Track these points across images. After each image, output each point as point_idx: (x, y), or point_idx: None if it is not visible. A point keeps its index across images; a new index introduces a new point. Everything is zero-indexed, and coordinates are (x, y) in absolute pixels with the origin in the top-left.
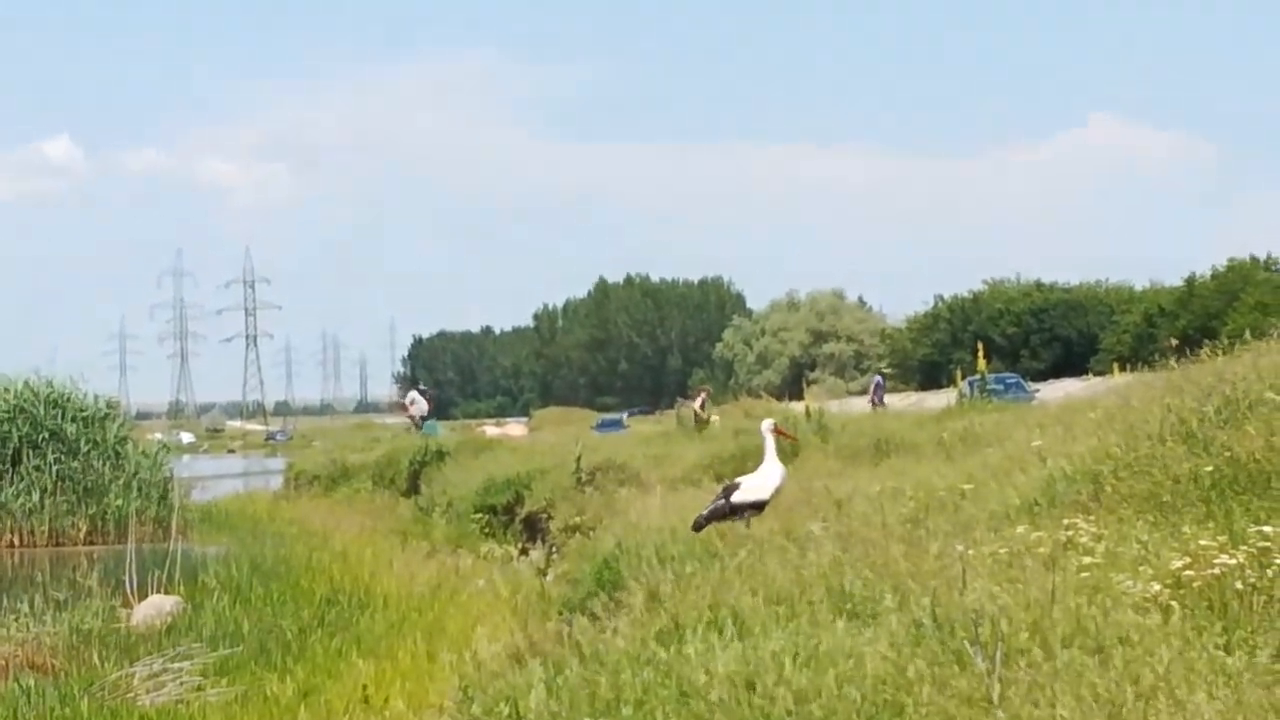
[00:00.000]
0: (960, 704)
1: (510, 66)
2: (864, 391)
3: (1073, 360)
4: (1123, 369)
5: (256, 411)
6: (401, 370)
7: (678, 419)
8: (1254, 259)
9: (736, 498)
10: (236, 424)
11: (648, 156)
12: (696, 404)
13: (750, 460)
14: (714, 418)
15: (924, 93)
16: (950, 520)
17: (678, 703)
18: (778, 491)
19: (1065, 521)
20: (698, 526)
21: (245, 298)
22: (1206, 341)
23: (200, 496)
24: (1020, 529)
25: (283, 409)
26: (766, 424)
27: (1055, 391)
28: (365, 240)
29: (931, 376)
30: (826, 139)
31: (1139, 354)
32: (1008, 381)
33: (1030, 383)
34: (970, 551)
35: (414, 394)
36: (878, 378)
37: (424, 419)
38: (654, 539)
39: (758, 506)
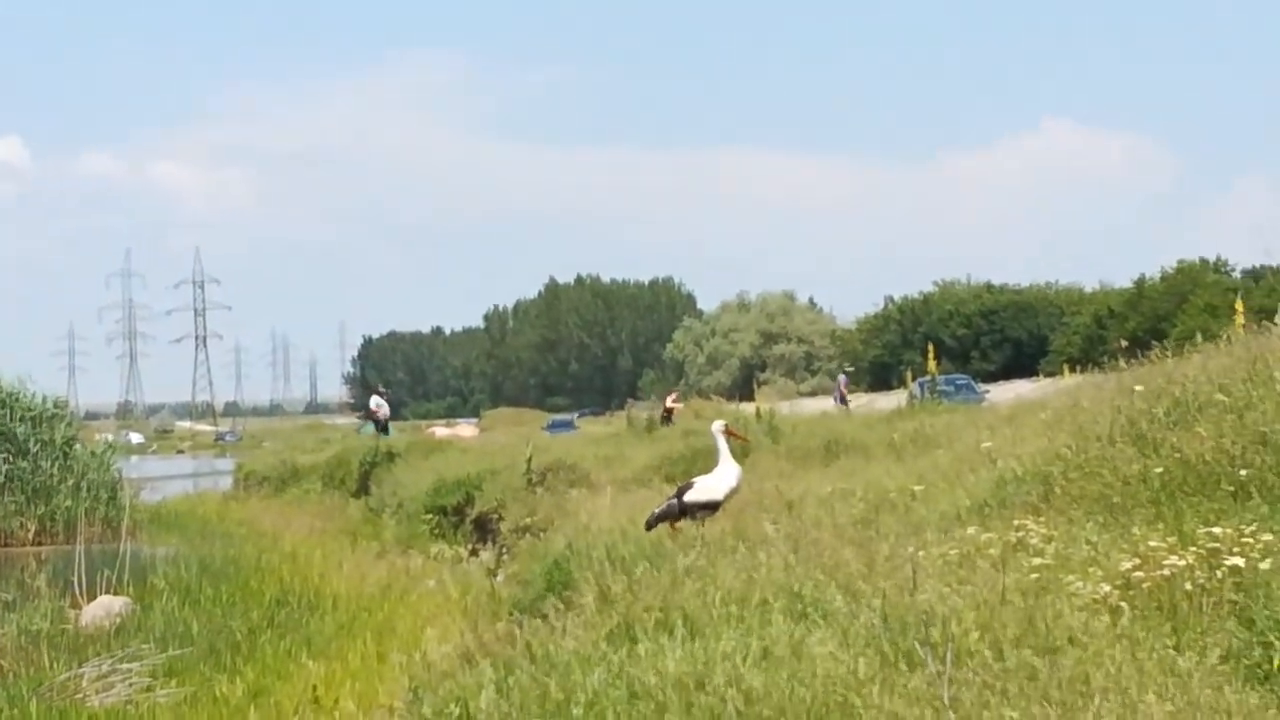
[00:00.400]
0: (910, 704)
1: (463, 73)
2: (815, 393)
3: (1023, 361)
4: (1073, 370)
5: (206, 412)
6: (352, 371)
7: (629, 420)
8: (1204, 261)
9: (689, 497)
10: (186, 425)
11: (599, 160)
12: (669, 401)
13: (700, 461)
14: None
15: (876, 96)
16: (901, 521)
17: (628, 703)
18: (733, 492)
19: (1015, 522)
20: (649, 525)
21: (195, 298)
22: (1156, 343)
23: (149, 497)
24: (970, 530)
25: (232, 410)
26: (717, 425)
27: (1005, 393)
28: (316, 242)
29: (882, 378)
30: (777, 143)
31: (1089, 355)
32: (958, 383)
33: (980, 384)
34: (921, 553)
35: (376, 398)
36: (842, 376)
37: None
38: (604, 540)
39: (710, 507)
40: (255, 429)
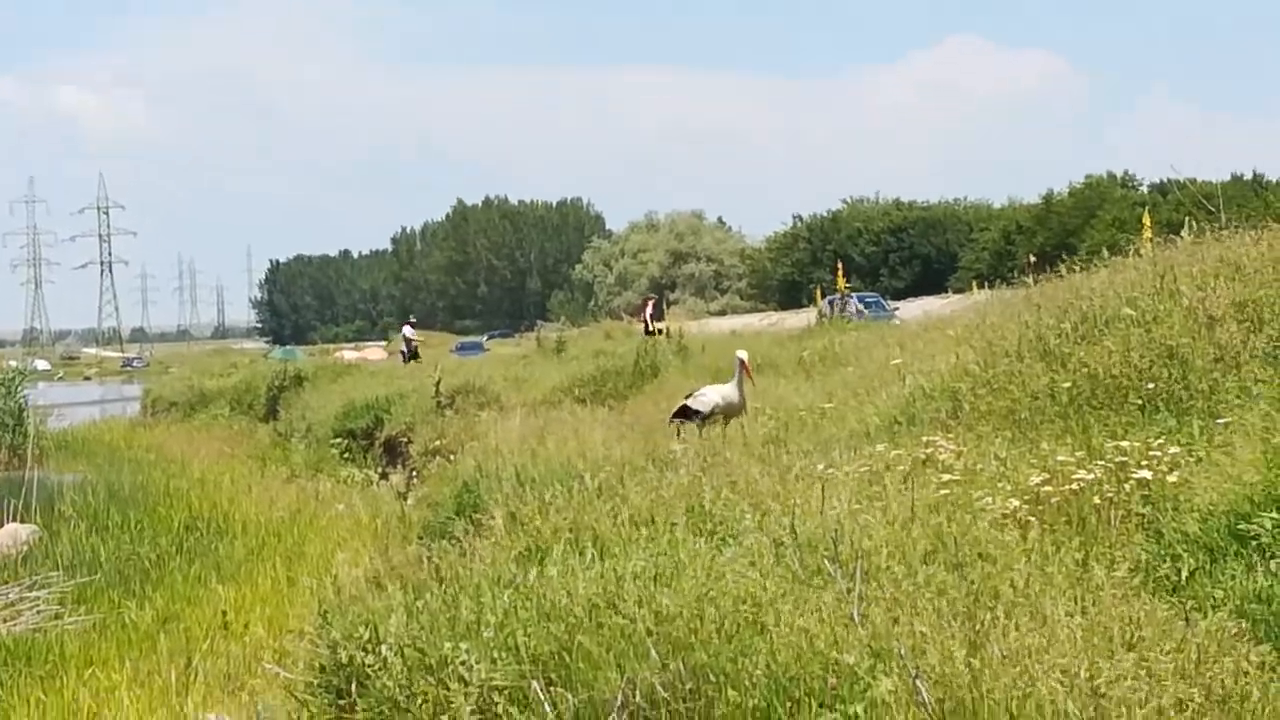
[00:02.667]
0: (821, 621)
1: None
2: (724, 312)
3: (931, 278)
4: (981, 286)
5: (112, 339)
6: (259, 295)
7: (538, 342)
8: (1111, 176)
9: (687, 402)
10: (92, 351)
11: (504, 80)
12: (647, 312)
13: (610, 382)
14: (660, 328)
15: (781, 12)
16: (810, 439)
17: (539, 625)
18: (718, 409)
19: (924, 439)
20: (670, 421)
21: (99, 224)
22: (1064, 258)
23: (56, 424)
24: (880, 447)
25: (139, 335)
26: (741, 353)
27: (914, 310)
28: (221, 167)
29: (791, 296)
30: (680, 60)
31: (998, 271)
32: (867, 300)
33: (890, 301)
34: (830, 470)
35: (408, 329)
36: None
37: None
38: (514, 462)
39: (698, 415)
40: (162, 355)
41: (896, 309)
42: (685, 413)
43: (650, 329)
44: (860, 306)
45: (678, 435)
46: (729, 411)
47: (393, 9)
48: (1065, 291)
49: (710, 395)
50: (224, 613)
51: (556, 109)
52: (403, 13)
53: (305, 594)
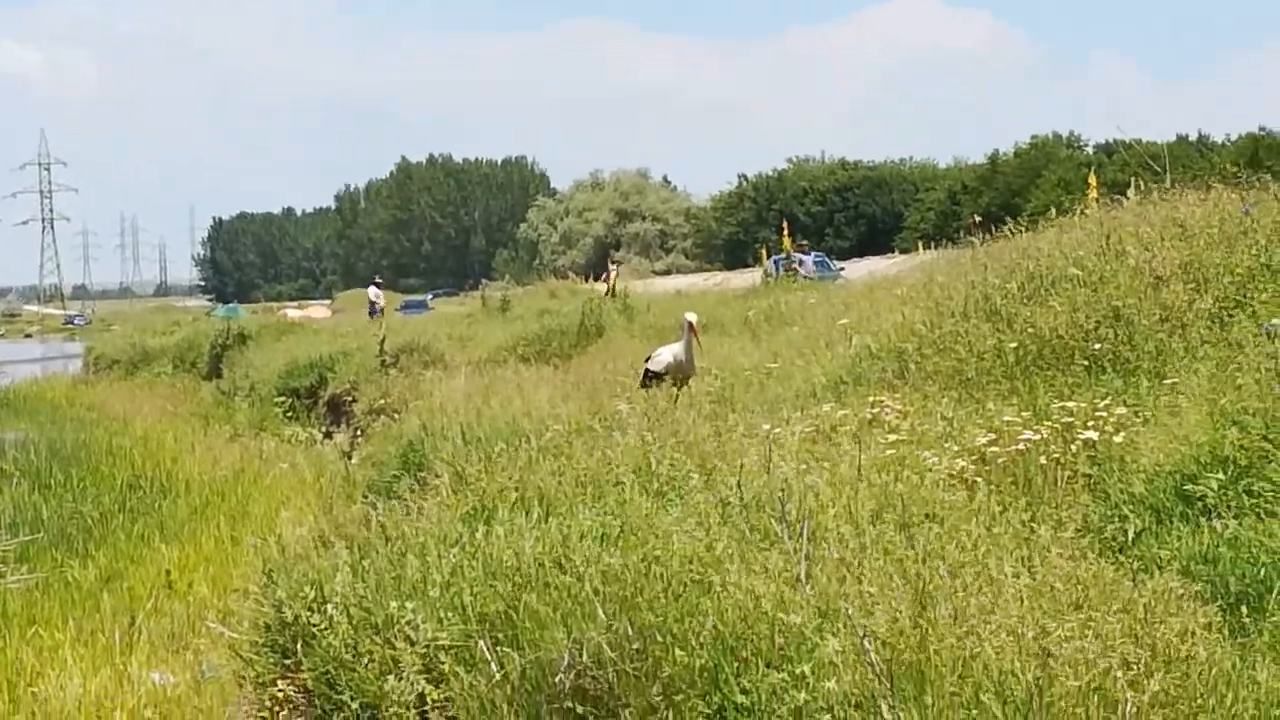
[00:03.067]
0: (769, 581)
1: None
2: (669, 271)
3: (877, 238)
4: (927, 246)
5: (54, 296)
6: (202, 253)
7: (483, 301)
8: (1057, 136)
9: (649, 364)
10: (33, 308)
11: (448, 41)
12: (612, 276)
13: (555, 341)
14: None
15: None
16: (757, 399)
17: (485, 584)
18: (669, 368)
19: (871, 399)
20: (642, 386)
21: (40, 180)
22: (1009, 218)
23: None
24: (826, 407)
25: (81, 293)
26: (689, 315)
27: (860, 270)
28: (165, 125)
29: (736, 256)
30: (623, 18)
31: (943, 231)
32: (814, 260)
33: (835, 261)
34: (777, 430)
35: (374, 288)
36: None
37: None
38: (459, 420)
39: (655, 375)
40: (104, 312)
41: (842, 269)
42: (649, 376)
43: (614, 290)
44: (814, 264)
45: (645, 397)
46: (679, 372)
47: None
48: (1012, 251)
49: (664, 355)
50: (168, 572)
51: (501, 67)
52: None
53: (249, 553)
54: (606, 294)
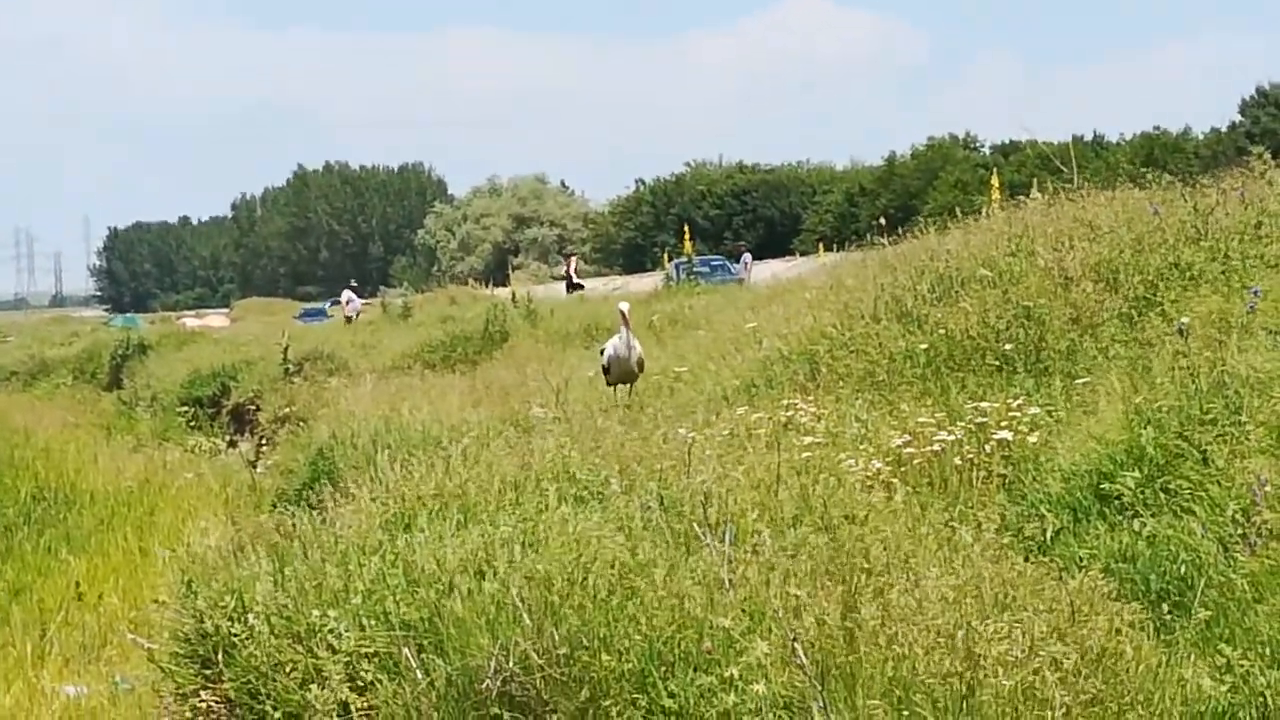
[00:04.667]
0: (694, 585)
1: None
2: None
3: (776, 241)
4: (827, 249)
5: None
6: (98, 263)
7: (384, 308)
8: (953, 138)
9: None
10: None
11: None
12: (571, 268)
13: (459, 348)
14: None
15: None
16: (668, 403)
17: (408, 591)
18: (612, 361)
19: (785, 402)
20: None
21: None
22: (907, 220)
23: None
24: (740, 410)
25: None
26: (622, 305)
27: (761, 272)
28: (56, 133)
29: (635, 260)
30: (512, 24)
31: (841, 233)
32: (714, 263)
33: (735, 264)
34: (693, 434)
35: (348, 293)
36: (572, 258)
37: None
38: (368, 428)
39: (604, 371)
40: None
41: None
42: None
43: (574, 285)
44: (745, 267)
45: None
46: (620, 366)
47: None
48: (920, 253)
49: (606, 350)
50: (77, 583)
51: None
52: None
53: (159, 564)
54: (568, 289)
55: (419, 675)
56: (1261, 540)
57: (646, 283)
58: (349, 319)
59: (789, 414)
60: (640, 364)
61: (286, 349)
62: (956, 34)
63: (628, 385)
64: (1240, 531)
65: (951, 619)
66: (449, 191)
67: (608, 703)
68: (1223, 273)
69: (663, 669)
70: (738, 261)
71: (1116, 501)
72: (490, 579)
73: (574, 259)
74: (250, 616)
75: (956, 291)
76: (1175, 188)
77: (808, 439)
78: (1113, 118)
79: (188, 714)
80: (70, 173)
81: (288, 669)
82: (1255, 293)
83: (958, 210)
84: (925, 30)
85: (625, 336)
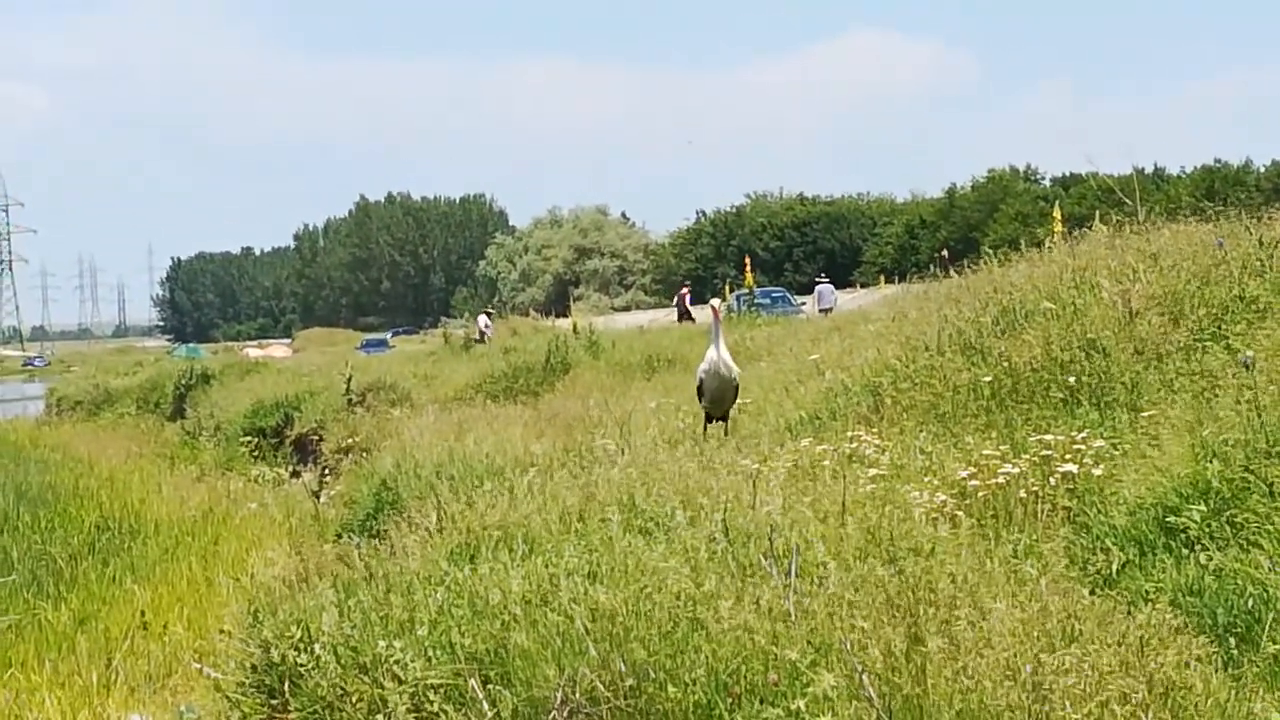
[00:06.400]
0: (760, 618)
1: None
2: (629, 308)
3: (836, 272)
4: (888, 280)
5: (12, 337)
6: (161, 293)
7: (445, 338)
8: (1013, 169)
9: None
10: None
11: (404, 75)
12: (686, 300)
13: (521, 379)
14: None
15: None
16: (732, 434)
17: (473, 622)
18: (701, 384)
19: (849, 434)
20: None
21: None
22: (968, 252)
23: None
24: (804, 442)
25: (39, 334)
26: (714, 301)
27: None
28: (122, 164)
29: (695, 291)
30: (581, 55)
31: (901, 265)
32: (774, 295)
33: (795, 296)
34: (757, 466)
35: (484, 318)
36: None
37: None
38: (432, 458)
39: (698, 391)
40: (63, 353)
41: (803, 304)
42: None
43: (686, 315)
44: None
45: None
46: (715, 387)
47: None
48: (983, 285)
49: (702, 364)
50: (142, 613)
51: (454, 103)
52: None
53: (223, 593)
54: (680, 319)
55: (485, 707)
56: None
57: (708, 314)
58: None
59: (853, 446)
60: (735, 389)
61: (350, 379)
62: (1014, 64)
63: (715, 421)
64: None
65: (1018, 652)
66: (510, 222)
67: None
68: None
69: (729, 701)
70: (810, 292)
71: (1182, 535)
72: (555, 610)
73: (686, 289)
74: (316, 647)
75: (1020, 324)
76: (1239, 220)
77: (872, 471)
78: (1171, 149)
79: None
80: (134, 203)
81: (353, 699)
82: None
83: (1015, 243)
84: (983, 61)
85: (718, 348)
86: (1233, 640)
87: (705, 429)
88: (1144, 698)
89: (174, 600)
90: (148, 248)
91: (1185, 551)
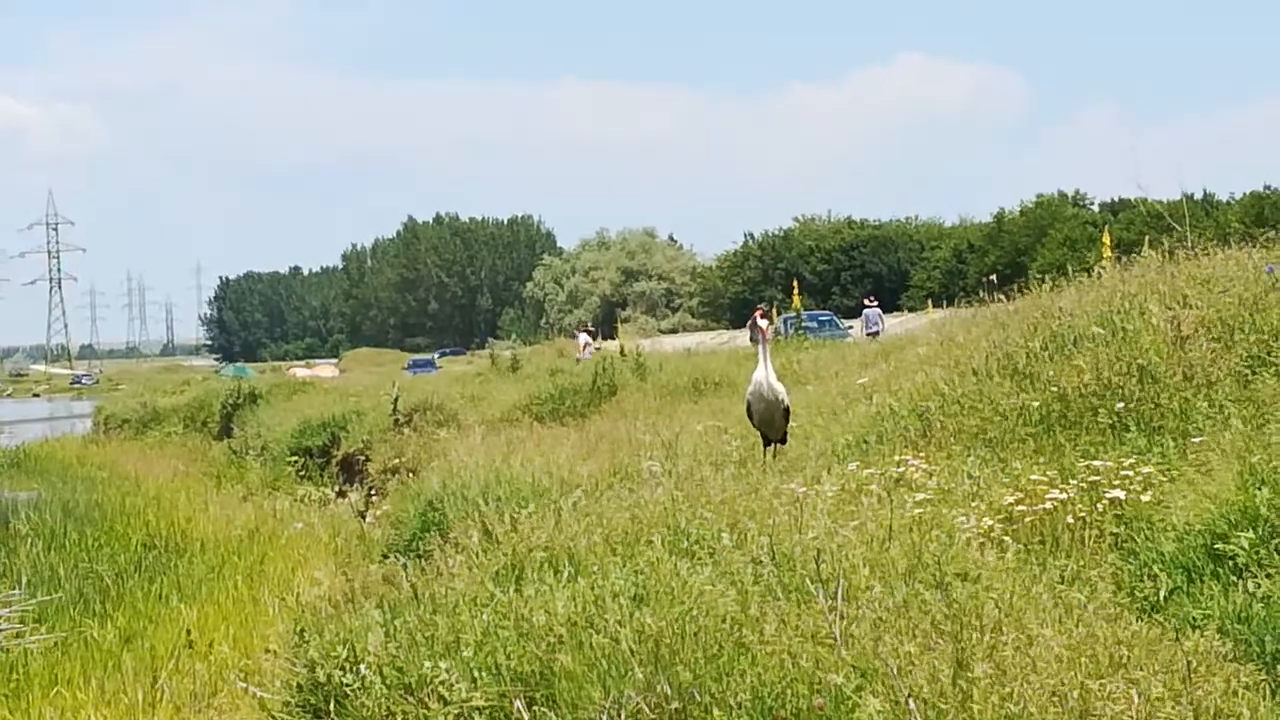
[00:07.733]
0: (805, 641)
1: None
2: (675, 330)
3: (883, 297)
4: (935, 305)
5: (61, 355)
6: (209, 312)
7: (492, 360)
8: (1062, 194)
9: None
10: (40, 368)
11: (452, 96)
12: (763, 322)
13: (568, 400)
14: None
15: (729, 30)
16: (779, 457)
17: (519, 644)
18: (750, 406)
19: (896, 458)
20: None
21: (48, 240)
22: (1016, 278)
23: (6, 442)
24: (851, 466)
25: (87, 352)
26: (761, 321)
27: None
28: (170, 183)
29: (743, 314)
30: (624, 77)
31: (949, 289)
32: (821, 319)
33: (842, 319)
34: (804, 489)
35: (584, 335)
36: (875, 310)
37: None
38: (479, 479)
39: (747, 410)
40: (111, 372)
41: (850, 327)
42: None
43: (759, 338)
44: (877, 318)
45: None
46: (763, 407)
47: (341, 25)
48: (1032, 310)
49: (750, 385)
50: (188, 631)
51: (502, 124)
52: (350, 28)
53: (269, 612)
54: (752, 340)
55: None
56: None
57: (758, 328)
58: (579, 359)
59: (900, 470)
60: (786, 413)
61: (396, 400)
62: (1062, 89)
63: (773, 445)
64: None
65: (1066, 678)
66: (558, 244)
67: None
68: None
69: None
70: (858, 316)
71: (1230, 562)
72: (601, 632)
73: (759, 311)
74: (362, 667)
75: (1069, 349)
76: None
77: (919, 495)
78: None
79: None
80: (182, 222)
81: None
82: None
83: (1069, 267)
84: (1030, 84)
85: (766, 369)
86: None
87: (765, 452)
88: None
89: (220, 619)
90: (196, 267)
91: (1233, 579)
